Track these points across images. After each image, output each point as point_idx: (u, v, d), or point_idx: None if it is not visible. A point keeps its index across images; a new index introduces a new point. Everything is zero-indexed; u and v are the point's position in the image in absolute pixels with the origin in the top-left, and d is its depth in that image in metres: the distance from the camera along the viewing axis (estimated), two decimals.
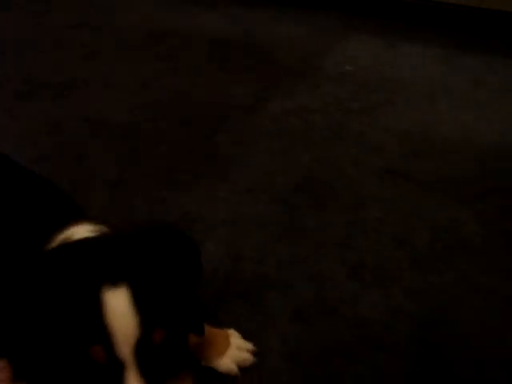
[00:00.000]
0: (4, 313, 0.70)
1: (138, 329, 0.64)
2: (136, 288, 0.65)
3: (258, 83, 1.74)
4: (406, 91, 1.69)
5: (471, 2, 1.87)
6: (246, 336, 1.09)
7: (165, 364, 0.68)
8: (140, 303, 0.64)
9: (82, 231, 0.80)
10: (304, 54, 1.85)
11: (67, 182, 1.23)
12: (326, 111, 1.61)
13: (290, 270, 1.20)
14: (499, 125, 1.58)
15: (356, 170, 1.44)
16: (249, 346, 1.08)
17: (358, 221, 1.30)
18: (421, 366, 1.04)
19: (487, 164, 1.45)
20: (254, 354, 1.07)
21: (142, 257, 0.69)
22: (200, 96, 1.70)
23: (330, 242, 1.25)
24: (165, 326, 0.67)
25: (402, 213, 1.31)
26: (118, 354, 0.63)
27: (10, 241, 0.86)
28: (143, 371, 0.65)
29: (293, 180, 1.41)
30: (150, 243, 0.72)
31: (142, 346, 0.64)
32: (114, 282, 0.64)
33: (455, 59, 1.83)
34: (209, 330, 1.02)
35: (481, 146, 1.50)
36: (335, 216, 1.32)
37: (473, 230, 1.27)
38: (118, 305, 0.63)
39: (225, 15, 2.09)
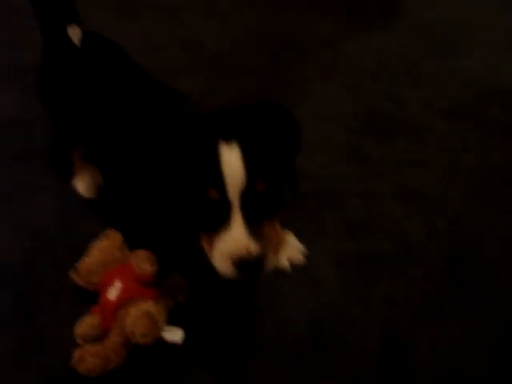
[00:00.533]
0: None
1: (245, 178, 0.84)
2: (245, 146, 0.84)
3: (342, 23, 1.85)
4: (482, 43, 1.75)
5: None
6: (300, 241, 1.28)
7: (262, 209, 0.87)
8: (248, 159, 0.84)
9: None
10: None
11: None
12: (395, 50, 1.72)
13: (345, 186, 1.37)
14: None
15: (421, 107, 1.55)
16: (302, 247, 1.29)
17: (414, 151, 1.43)
18: (449, 281, 1.19)
19: None
20: (305, 256, 1.27)
21: (253, 124, 0.88)
22: (288, 30, 1.84)
23: (387, 167, 1.40)
24: (266, 179, 0.86)
25: (458, 149, 1.42)
26: (228, 196, 0.84)
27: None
28: (245, 212, 0.85)
29: (360, 110, 1.56)
30: (260, 114, 0.91)
31: (246, 192, 0.85)
32: (228, 140, 0.84)
33: None
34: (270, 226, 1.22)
35: None
36: (394, 145, 1.45)
37: None
38: (231, 158, 0.83)
39: None
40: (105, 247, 1.22)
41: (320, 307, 1.19)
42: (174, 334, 1.14)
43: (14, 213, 1.42)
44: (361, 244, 1.29)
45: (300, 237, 1.29)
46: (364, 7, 1.92)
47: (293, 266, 1.27)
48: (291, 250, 1.28)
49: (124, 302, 1.13)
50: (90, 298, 1.18)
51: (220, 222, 0.86)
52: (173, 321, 1.15)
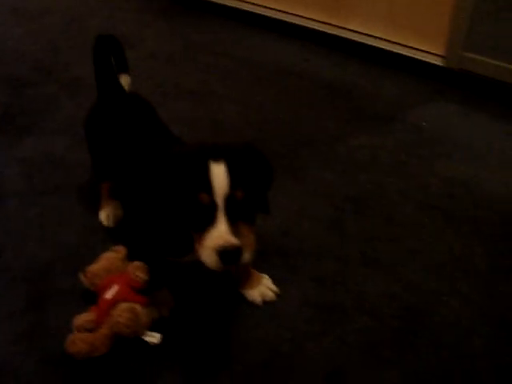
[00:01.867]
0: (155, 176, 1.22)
1: (228, 186, 1.12)
2: (229, 165, 1.12)
3: (346, 121, 2.18)
4: (464, 150, 2.03)
5: None
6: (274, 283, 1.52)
7: (240, 213, 1.14)
8: (231, 173, 1.12)
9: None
10: (390, 106, 2.26)
11: None
12: (393, 151, 2.01)
13: (321, 249, 1.62)
14: None
15: (399, 197, 1.81)
16: (275, 288, 1.53)
17: (383, 235, 1.69)
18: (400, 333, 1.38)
19: None
20: (276, 295, 1.51)
21: (235, 152, 1.17)
22: (305, 123, 2.18)
23: (359, 238, 1.65)
24: (244, 190, 1.14)
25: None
26: (215, 199, 1.12)
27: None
28: (227, 213, 1.12)
29: (347, 192, 1.83)
30: (241, 148, 1.20)
31: (229, 198, 1.12)
32: (216, 159, 1.13)
33: None
34: (249, 269, 1.50)
35: None
36: (372, 224, 1.71)
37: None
38: (218, 171, 1.12)
39: (337, 64, 2.56)
40: (111, 258, 1.49)
41: (279, 336, 1.41)
42: (153, 337, 1.37)
43: (44, 228, 1.73)
44: (326, 294, 1.51)
45: (275, 281, 1.53)
46: (369, 110, 2.25)
47: (264, 301, 1.50)
48: (265, 288, 1.51)
49: (117, 302, 1.37)
50: (91, 301, 1.44)
51: (208, 221, 1.13)
52: (154, 328, 1.39)
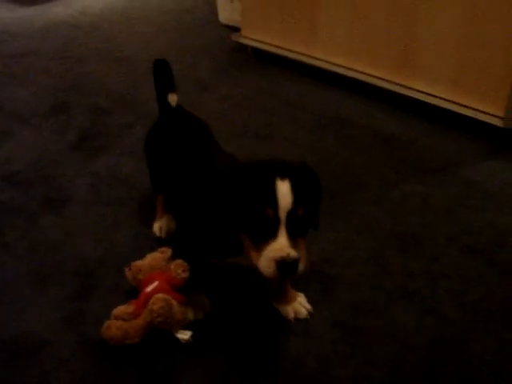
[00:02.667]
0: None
1: (291, 203, 1.22)
2: (293, 183, 1.23)
3: (401, 171, 2.24)
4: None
5: None
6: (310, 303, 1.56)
7: (299, 228, 1.25)
8: (294, 191, 1.23)
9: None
10: (446, 161, 2.30)
11: None
12: (444, 199, 2.04)
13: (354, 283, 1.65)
14: None
15: (445, 240, 1.82)
16: (308, 307, 1.56)
17: (424, 273, 1.70)
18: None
19: None
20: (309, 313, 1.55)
21: (296, 170, 1.29)
22: (360, 168, 2.25)
23: (404, 275, 1.67)
24: (304, 207, 1.25)
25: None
26: (278, 214, 1.22)
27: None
28: (288, 227, 1.23)
29: (394, 230, 1.88)
30: (299, 166, 1.32)
31: (290, 213, 1.23)
32: (282, 177, 1.24)
33: None
34: (287, 286, 1.56)
35: None
36: (415, 261, 1.73)
37: None
38: (284, 188, 1.23)
39: (398, 119, 2.64)
40: (156, 257, 1.58)
41: (307, 351, 1.44)
42: (184, 335, 1.43)
43: (101, 232, 1.89)
44: (358, 319, 1.53)
45: (310, 301, 1.57)
46: (425, 163, 2.29)
47: (296, 318, 1.53)
48: (299, 305, 1.55)
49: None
50: (133, 297, 1.53)
51: (270, 233, 1.23)
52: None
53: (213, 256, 1.49)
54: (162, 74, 1.87)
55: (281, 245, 1.20)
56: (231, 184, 1.29)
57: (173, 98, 1.83)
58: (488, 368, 1.39)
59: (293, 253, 1.20)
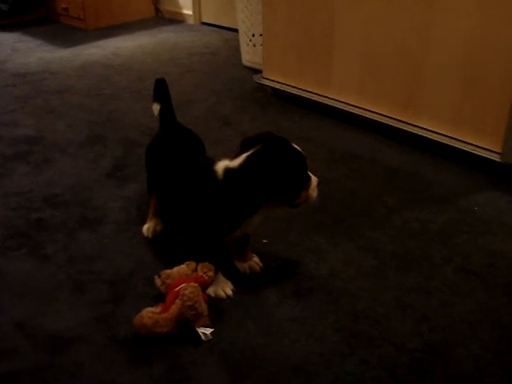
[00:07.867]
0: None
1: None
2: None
3: (404, 199, 2.44)
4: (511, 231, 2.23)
5: None
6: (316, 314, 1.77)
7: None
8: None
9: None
10: (446, 191, 2.50)
11: None
12: (443, 226, 2.24)
13: (355, 295, 1.85)
14: None
15: (442, 261, 2.02)
16: (261, 264, 1.97)
17: (420, 288, 1.89)
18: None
19: None
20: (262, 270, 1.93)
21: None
22: (367, 197, 2.47)
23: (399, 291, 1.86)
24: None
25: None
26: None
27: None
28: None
29: (395, 251, 2.07)
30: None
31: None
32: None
33: None
34: (247, 249, 1.96)
35: None
36: (412, 278, 1.92)
37: None
38: (314, 179, 1.82)
39: (404, 154, 2.86)
40: (183, 268, 1.80)
41: (310, 350, 1.65)
42: (206, 331, 1.64)
43: (132, 247, 2.14)
44: (357, 325, 1.72)
45: (316, 311, 1.78)
46: (426, 193, 2.50)
47: (300, 322, 1.75)
48: (254, 263, 1.97)
49: None
50: (161, 302, 1.75)
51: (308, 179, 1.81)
52: None
53: (221, 233, 1.80)
54: (160, 91, 2.19)
55: (314, 177, 1.82)
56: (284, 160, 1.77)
57: (155, 107, 2.18)
58: (473, 367, 1.58)
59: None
